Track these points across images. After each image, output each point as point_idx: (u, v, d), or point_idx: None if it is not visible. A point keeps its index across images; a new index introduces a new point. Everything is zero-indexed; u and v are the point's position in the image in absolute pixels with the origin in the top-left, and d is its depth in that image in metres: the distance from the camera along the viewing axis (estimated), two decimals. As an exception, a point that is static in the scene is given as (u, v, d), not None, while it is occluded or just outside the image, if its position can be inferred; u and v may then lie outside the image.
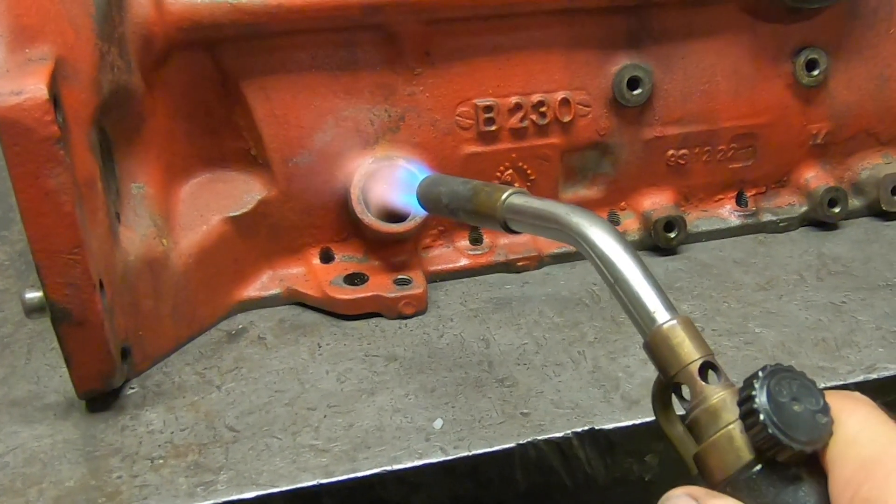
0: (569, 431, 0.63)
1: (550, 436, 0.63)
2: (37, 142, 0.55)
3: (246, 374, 0.70)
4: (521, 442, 0.62)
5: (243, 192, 0.76)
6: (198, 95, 0.73)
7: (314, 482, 0.59)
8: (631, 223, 0.87)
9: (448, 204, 0.64)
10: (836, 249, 0.87)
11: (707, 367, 0.44)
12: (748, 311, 0.77)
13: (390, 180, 0.75)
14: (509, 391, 0.67)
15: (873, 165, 0.91)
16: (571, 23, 0.78)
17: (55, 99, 0.56)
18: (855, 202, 0.91)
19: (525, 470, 0.63)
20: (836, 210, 0.89)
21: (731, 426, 0.42)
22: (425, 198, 0.68)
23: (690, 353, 0.44)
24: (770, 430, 0.40)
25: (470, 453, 0.61)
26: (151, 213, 0.70)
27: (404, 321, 0.76)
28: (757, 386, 0.41)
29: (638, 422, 0.64)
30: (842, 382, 0.68)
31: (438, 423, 0.64)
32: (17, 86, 0.54)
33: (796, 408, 0.40)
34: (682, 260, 0.86)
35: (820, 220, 0.90)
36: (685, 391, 0.45)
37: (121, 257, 0.65)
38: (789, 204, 0.90)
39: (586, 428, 0.63)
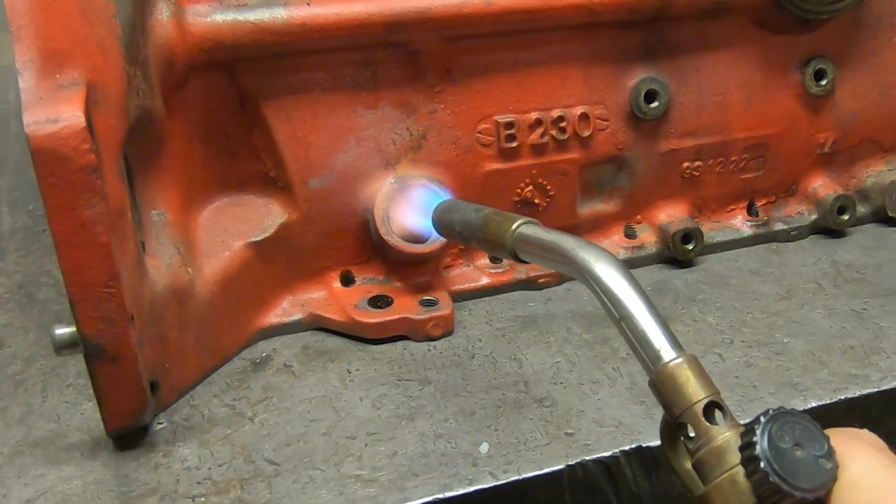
0: (616, 450, 0.62)
1: (598, 455, 0.62)
2: (74, 171, 0.53)
3: (277, 403, 0.68)
4: (569, 463, 0.61)
5: (263, 216, 0.74)
6: (216, 117, 0.71)
7: (366, 514, 0.57)
8: (647, 236, 0.87)
9: (461, 232, 0.64)
10: (848, 256, 0.88)
11: (713, 407, 0.44)
12: (773, 321, 0.77)
13: (411, 203, 0.73)
14: (549, 411, 0.66)
15: (878, 172, 0.93)
16: (589, 37, 0.78)
17: (90, 126, 0.53)
18: (861, 209, 0.92)
19: (573, 491, 0.62)
20: (846, 217, 0.90)
21: (734, 469, 0.42)
22: (440, 224, 0.68)
23: (696, 392, 0.44)
24: (771, 479, 0.39)
25: (520, 477, 0.60)
26: (174, 241, 0.67)
27: (432, 343, 0.75)
28: (758, 431, 0.40)
29: (682, 437, 0.64)
30: (875, 389, 0.68)
31: (485, 448, 0.62)
32: (52, 113, 0.52)
33: (799, 454, 0.40)
34: (700, 272, 0.86)
35: (829, 227, 0.91)
36: (691, 431, 0.45)
37: (148, 288, 0.63)
38: (799, 212, 0.91)
39: (633, 446, 0.63)
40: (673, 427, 0.46)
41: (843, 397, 0.67)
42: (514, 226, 0.58)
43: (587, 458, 0.62)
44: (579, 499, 0.62)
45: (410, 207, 0.74)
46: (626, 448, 0.63)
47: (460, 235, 0.64)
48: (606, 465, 0.62)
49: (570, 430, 0.64)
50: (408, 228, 0.75)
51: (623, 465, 0.63)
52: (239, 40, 0.66)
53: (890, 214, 0.92)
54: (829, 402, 0.67)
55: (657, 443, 0.63)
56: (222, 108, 0.71)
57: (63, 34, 0.55)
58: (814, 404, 0.67)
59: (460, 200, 0.69)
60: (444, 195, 0.74)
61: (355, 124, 0.74)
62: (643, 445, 0.63)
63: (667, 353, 0.46)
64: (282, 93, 0.71)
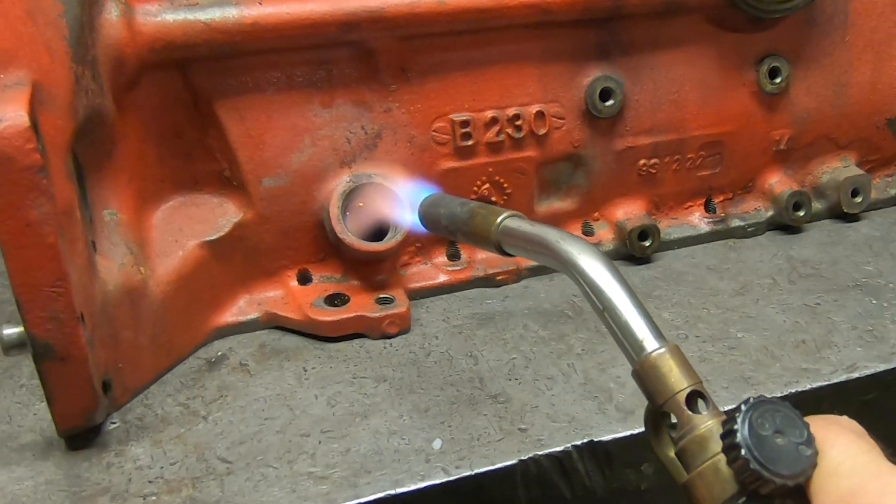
0: (568, 445, 0.63)
1: (551, 450, 0.62)
2: (18, 171, 0.52)
3: (231, 402, 0.68)
4: (522, 458, 0.62)
5: (218, 215, 0.74)
6: (169, 117, 0.71)
7: (317, 511, 0.57)
8: (605, 233, 0.87)
9: (447, 226, 0.64)
10: (804, 252, 0.89)
11: (695, 396, 0.45)
12: (728, 317, 0.78)
13: (372, 199, 0.74)
14: (504, 407, 0.67)
15: (833, 169, 0.94)
16: (544, 36, 0.78)
17: (34, 126, 0.53)
18: (817, 205, 0.93)
19: (527, 486, 0.62)
20: (801, 214, 0.91)
21: (717, 457, 0.42)
22: (426, 218, 0.68)
23: (678, 381, 0.45)
24: (752, 465, 0.40)
25: (473, 472, 0.61)
26: (126, 241, 0.67)
27: (389, 341, 0.75)
28: (739, 419, 0.41)
29: (634, 432, 0.64)
30: (826, 383, 0.69)
31: (437, 444, 0.63)
32: (-5, 113, 0.52)
33: (779, 440, 0.41)
34: (657, 268, 0.87)
35: (785, 223, 0.92)
36: (674, 419, 0.45)
37: (100, 288, 0.62)
38: (756, 209, 0.92)
39: (585, 441, 0.63)
40: (656, 416, 0.46)
41: (794, 391, 0.68)
42: (499, 219, 0.58)
43: (540, 452, 0.62)
44: (533, 494, 0.63)
45: (368, 205, 0.75)
46: (579, 443, 0.63)
47: (446, 229, 0.65)
48: (559, 460, 0.63)
49: (523, 426, 0.65)
50: (383, 223, 0.75)
51: (576, 459, 0.63)
52: (190, 40, 0.66)
53: (845, 210, 0.93)
54: (780, 395, 0.68)
55: (610, 437, 0.64)
56: (175, 107, 0.70)
57: (7, 34, 0.55)
58: (765, 398, 0.67)
59: (446, 194, 0.69)
60: (401, 193, 0.74)
61: (310, 123, 0.74)
62: (595, 440, 0.63)
63: (650, 343, 0.46)
64: (235, 92, 0.71)
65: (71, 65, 0.59)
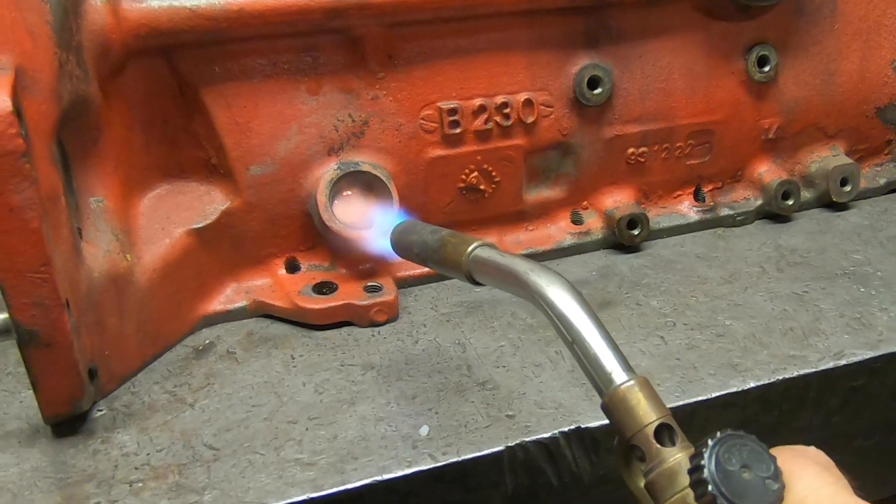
0: (555, 431, 0.63)
1: (538, 437, 0.62)
2: (1, 156, 0.52)
3: (219, 389, 0.68)
4: (509, 444, 0.62)
5: (205, 203, 0.74)
6: (155, 104, 0.70)
7: (303, 497, 0.57)
8: (594, 222, 0.87)
9: (419, 253, 0.64)
10: (792, 241, 0.89)
11: (663, 429, 0.45)
12: (716, 305, 0.78)
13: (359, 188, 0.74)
14: (491, 394, 0.67)
15: (822, 158, 0.94)
16: (532, 24, 0.78)
17: (17, 111, 0.53)
18: (806, 194, 0.94)
19: (513, 472, 0.62)
20: (790, 202, 0.91)
21: (685, 491, 0.42)
22: (398, 245, 0.68)
23: (647, 414, 0.45)
24: (719, 501, 0.40)
25: (459, 458, 0.60)
26: (112, 228, 0.67)
27: (377, 329, 0.75)
28: (706, 454, 0.41)
29: (621, 418, 0.64)
30: (813, 370, 0.69)
31: (425, 430, 0.63)
32: (-24, 97, 0.51)
33: (746, 475, 0.41)
34: (646, 257, 0.87)
35: (774, 212, 0.92)
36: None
37: (85, 274, 0.62)
38: (745, 198, 0.92)
39: (572, 427, 0.63)
40: (626, 448, 0.46)
41: (781, 377, 0.68)
42: (470, 249, 0.58)
43: (527, 439, 0.62)
44: (520, 480, 0.63)
45: (356, 194, 0.75)
46: (566, 429, 0.63)
47: (418, 257, 0.65)
48: (546, 446, 0.63)
49: (510, 413, 0.65)
50: (353, 215, 0.75)
51: (563, 445, 0.63)
52: (175, 26, 0.66)
53: (834, 199, 0.93)
54: (767, 382, 0.68)
55: (597, 424, 0.64)
56: (161, 94, 0.70)
57: (-10, 18, 0.54)
58: (752, 385, 0.67)
59: (418, 221, 0.69)
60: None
61: (297, 111, 0.73)
62: (583, 426, 0.63)
63: (618, 375, 0.46)
64: (221, 79, 0.71)
65: (55, 50, 0.58)
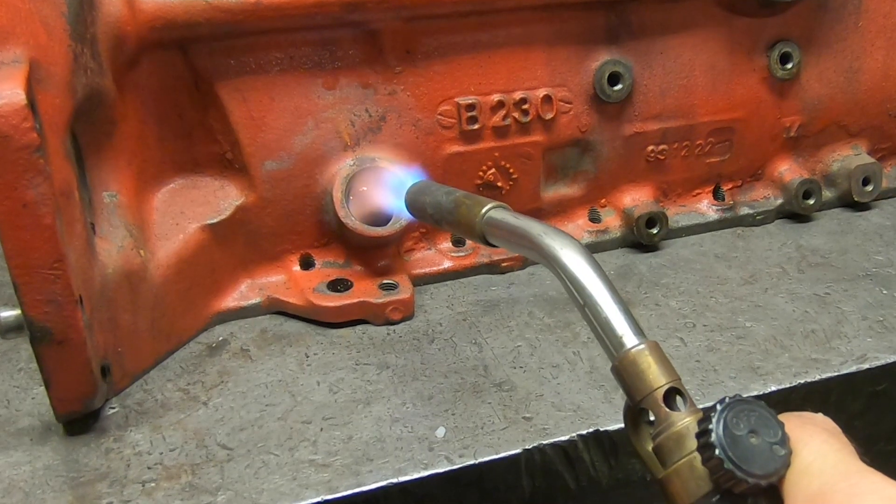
0: (574, 434, 0.62)
1: (556, 440, 0.61)
2: (15, 150, 0.51)
3: (232, 388, 0.67)
4: (527, 447, 0.61)
5: (219, 198, 0.73)
6: (170, 98, 0.70)
7: (318, 499, 0.57)
8: (612, 220, 0.86)
9: (433, 214, 0.64)
10: (814, 241, 0.88)
11: (673, 393, 0.45)
12: (736, 306, 0.77)
13: (375, 183, 0.72)
14: (508, 395, 0.66)
15: (844, 157, 0.92)
16: (552, 19, 0.77)
17: (31, 104, 0.52)
18: (827, 193, 0.92)
19: (531, 475, 0.61)
20: (811, 202, 0.90)
21: (692, 455, 0.42)
22: (412, 205, 0.68)
23: (657, 378, 0.45)
24: (726, 465, 0.40)
25: (476, 461, 0.60)
26: (126, 223, 0.66)
27: (392, 327, 0.74)
28: (714, 419, 0.41)
29: (641, 422, 0.63)
30: (835, 374, 0.68)
31: (441, 432, 0.62)
32: (-10, 91, 0.51)
33: (753, 440, 0.41)
34: (665, 256, 0.85)
35: (795, 212, 0.91)
36: (652, 416, 0.45)
37: (99, 270, 0.61)
38: (765, 197, 0.91)
39: (591, 430, 0.62)
40: (635, 412, 0.46)
41: (803, 381, 0.67)
42: (484, 210, 0.58)
43: (545, 442, 0.61)
44: (537, 483, 0.62)
45: (377, 189, 0.74)
46: (584, 432, 0.62)
47: (431, 218, 0.65)
48: (564, 450, 0.62)
49: (528, 415, 0.64)
50: (376, 211, 0.74)
51: (581, 449, 0.62)
52: (192, 19, 0.65)
53: (856, 199, 0.92)
54: (789, 386, 0.67)
55: (616, 427, 0.63)
56: (176, 88, 0.69)
57: (4, 10, 0.53)
58: (774, 388, 0.66)
59: (432, 182, 0.69)
60: (411, 178, 0.73)
61: (313, 105, 0.72)
62: (601, 430, 0.62)
63: (629, 339, 0.46)
64: (237, 73, 0.70)
65: (69, 42, 0.57)
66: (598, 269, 0.49)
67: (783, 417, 0.42)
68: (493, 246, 0.59)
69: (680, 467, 0.43)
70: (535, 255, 0.53)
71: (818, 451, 0.41)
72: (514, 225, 0.55)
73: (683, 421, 0.43)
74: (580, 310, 0.49)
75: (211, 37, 0.67)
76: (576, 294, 0.49)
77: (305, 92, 0.72)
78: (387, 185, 0.72)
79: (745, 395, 0.42)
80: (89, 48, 0.60)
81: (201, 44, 0.68)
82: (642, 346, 0.46)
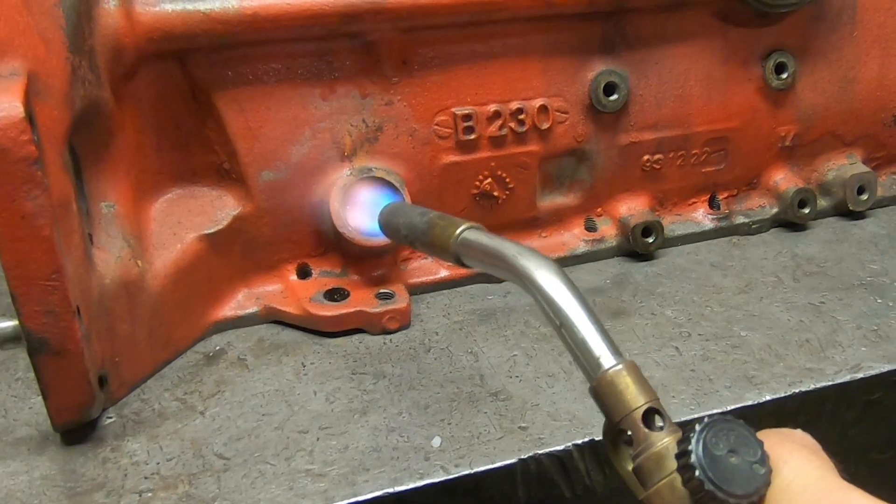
0: (569, 444, 0.62)
1: (551, 449, 0.62)
2: (13, 163, 0.52)
3: (229, 397, 0.67)
4: (522, 457, 0.61)
5: (217, 208, 0.73)
6: (167, 108, 0.70)
7: (314, 509, 0.57)
8: (608, 229, 0.86)
9: (406, 235, 0.64)
10: (809, 250, 0.88)
11: (652, 413, 0.45)
12: (731, 315, 0.77)
13: (362, 201, 0.73)
14: (504, 405, 0.66)
15: (839, 166, 0.93)
16: (548, 29, 0.77)
17: (30, 117, 0.52)
18: (822, 202, 0.93)
19: (527, 485, 0.62)
20: (806, 211, 0.90)
21: (672, 475, 0.42)
22: (386, 226, 0.68)
23: (635, 399, 0.45)
24: (706, 486, 0.40)
25: (472, 471, 0.60)
26: (124, 233, 0.66)
27: (388, 336, 0.74)
28: (693, 439, 0.41)
29: (636, 431, 0.63)
30: (830, 383, 0.68)
31: (437, 442, 0.62)
32: (-11, 104, 0.51)
33: (733, 460, 0.41)
34: (660, 265, 0.86)
35: (790, 221, 0.91)
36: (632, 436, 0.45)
37: (96, 281, 0.62)
38: (760, 206, 0.91)
39: (586, 439, 0.62)
40: (614, 432, 0.46)
41: (797, 391, 0.67)
42: (458, 231, 0.57)
43: (540, 451, 0.61)
44: (533, 493, 0.62)
45: (361, 208, 0.74)
46: (580, 442, 0.62)
47: (406, 239, 0.64)
48: (560, 459, 0.62)
49: (523, 424, 0.64)
50: (364, 222, 0.74)
51: (576, 458, 0.62)
52: (189, 30, 0.65)
53: (851, 208, 0.92)
54: (784, 395, 0.67)
55: (611, 436, 0.63)
56: (174, 98, 0.70)
57: (2, 23, 0.54)
58: (769, 398, 0.67)
59: (406, 203, 0.69)
60: (396, 193, 0.73)
61: (310, 116, 0.73)
62: (596, 439, 0.62)
63: (606, 360, 0.46)
64: (234, 84, 0.70)
65: (67, 55, 0.58)
66: (574, 289, 0.49)
67: (762, 435, 0.42)
68: (468, 267, 0.59)
69: (661, 488, 0.42)
70: (510, 276, 0.52)
71: (798, 468, 0.41)
72: (488, 246, 0.55)
73: (663, 441, 0.43)
74: (556, 331, 0.48)
75: (208, 48, 0.68)
76: (551, 315, 0.48)
77: (302, 102, 0.72)
78: (373, 202, 0.73)
79: (726, 411, 0.42)
80: (87, 60, 0.61)
81: (199, 55, 0.68)
82: (620, 367, 0.45)
